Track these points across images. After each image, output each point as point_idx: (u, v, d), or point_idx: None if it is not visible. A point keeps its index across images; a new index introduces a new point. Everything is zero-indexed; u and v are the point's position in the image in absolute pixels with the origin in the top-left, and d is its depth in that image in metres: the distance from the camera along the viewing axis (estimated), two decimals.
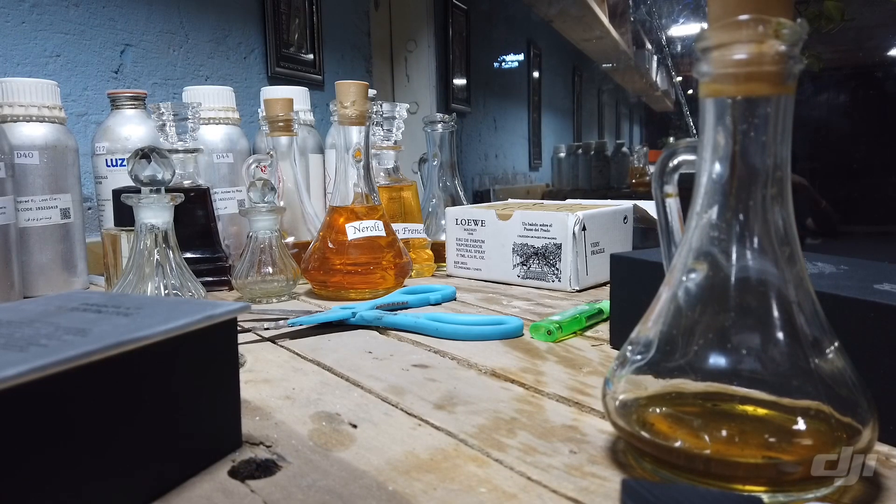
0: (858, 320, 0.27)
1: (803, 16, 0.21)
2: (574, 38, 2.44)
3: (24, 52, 0.73)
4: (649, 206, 0.73)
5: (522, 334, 0.45)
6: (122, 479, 0.21)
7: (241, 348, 0.42)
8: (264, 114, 0.69)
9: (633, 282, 0.39)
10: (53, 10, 0.75)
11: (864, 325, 0.27)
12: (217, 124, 0.74)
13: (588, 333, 0.45)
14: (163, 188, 0.45)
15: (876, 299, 0.27)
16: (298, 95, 0.83)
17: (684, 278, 0.25)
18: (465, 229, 0.66)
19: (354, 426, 0.30)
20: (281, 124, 0.67)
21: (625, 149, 2.40)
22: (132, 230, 0.48)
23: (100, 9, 0.81)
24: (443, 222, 0.73)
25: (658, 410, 0.24)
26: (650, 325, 0.25)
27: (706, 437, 0.22)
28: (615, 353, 0.40)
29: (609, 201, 0.70)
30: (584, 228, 0.59)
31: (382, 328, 0.47)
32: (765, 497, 0.22)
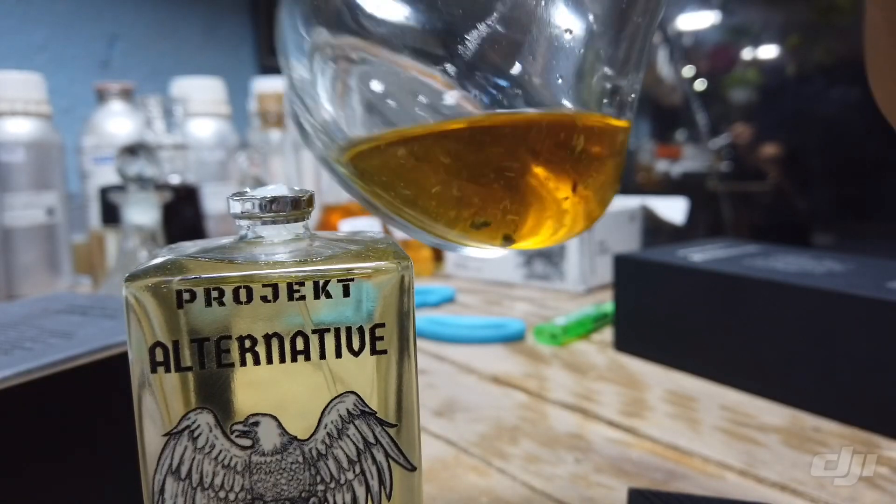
0: (875, 320, 0.27)
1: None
2: None
3: (10, 45, 0.71)
4: (658, 205, 0.72)
5: (525, 338, 0.44)
6: (110, 485, 0.21)
7: None
8: (256, 107, 0.68)
9: (638, 283, 0.38)
10: (40, 3, 0.74)
11: (882, 324, 0.27)
12: (207, 118, 0.73)
13: (594, 337, 0.44)
14: (150, 186, 0.44)
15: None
16: None
17: None
18: None
19: None
20: (273, 118, 0.66)
21: (631, 145, 2.39)
22: (119, 229, 0.47)
23: (88, 0, 0.79)
24: None
25: None
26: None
27: None
28: (623, 357, 0.39)
29: (616, 198, 0.69)
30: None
31: None
32: None
